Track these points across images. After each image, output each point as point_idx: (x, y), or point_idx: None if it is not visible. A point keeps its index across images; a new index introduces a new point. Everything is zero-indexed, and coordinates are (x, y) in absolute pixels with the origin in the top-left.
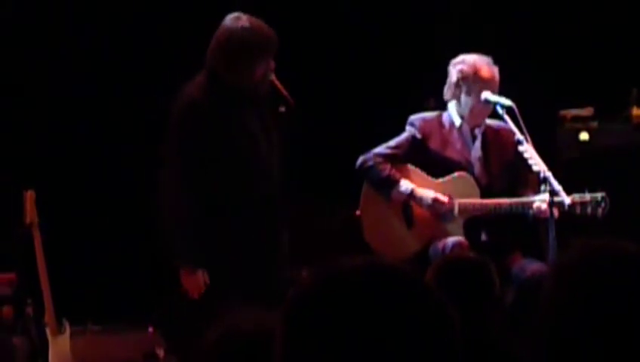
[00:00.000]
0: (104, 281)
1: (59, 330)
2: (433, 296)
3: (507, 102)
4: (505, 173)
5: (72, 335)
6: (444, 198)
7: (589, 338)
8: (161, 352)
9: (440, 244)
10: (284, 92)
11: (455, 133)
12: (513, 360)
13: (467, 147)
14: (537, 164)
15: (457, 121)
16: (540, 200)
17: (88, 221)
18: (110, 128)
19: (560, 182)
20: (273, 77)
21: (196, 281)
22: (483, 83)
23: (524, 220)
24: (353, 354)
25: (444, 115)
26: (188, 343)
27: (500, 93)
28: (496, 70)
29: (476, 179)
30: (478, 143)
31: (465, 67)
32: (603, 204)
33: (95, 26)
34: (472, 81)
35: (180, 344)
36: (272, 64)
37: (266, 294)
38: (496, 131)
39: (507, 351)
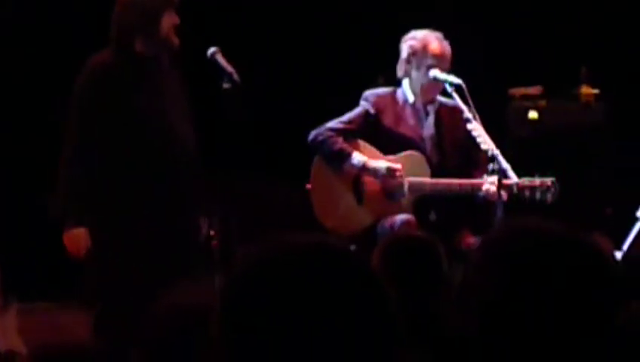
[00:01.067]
0: (54, 257)
1: (5, 306)
2: (369, 275)
3: (456, 80)
4: (456, 151)
5: (19, 312)
6: (398, 166)
7: (511, 308)
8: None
9: (389, 221)
10: (229, 68)
11: (408, 110)
12: (460, 338)
13: (420, 124)
14: (486, 142)
15: (411, 97)
16: (489, 183)
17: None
18: None
19: (509, 160)
20: (218, 53)
21: (76, 240)
22: (432, 58)
23: (474, 200)
24: (288, 334)
25: (399, 91)
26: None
27: (450, 71)
28: (446, 45)
29: (428, 157)
30: (431, 120)
31: (414, 42)
32: (552, 189)
33: None
34: (421, 57)
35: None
36: (176, 19)
37: (170, 258)
38: (450, 109)
39: (454, 328)
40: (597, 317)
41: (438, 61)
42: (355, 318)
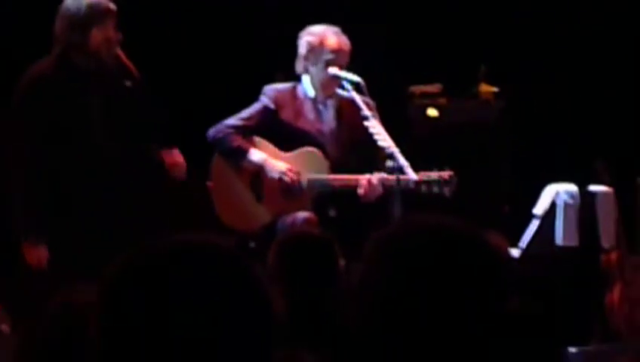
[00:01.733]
0: None
1: None
2: (249, 275)
3: (355, 78)
4: (355, 147)
5: None
6: (294, 172)
7: (405, 304)
8: (6, 328)
9: (289, 219)
10: (130, 66)
11: (308, 105)
12: (358, 335)
13: (320, 119)
14: (384, 139)
15: (311, 93)
16: (374, 176)
17: None
18: None
19: (409, 158)
20: (119, 51)
21: (37, 255)
22: (330, 53)
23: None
24: (162, 335)
25: (299, 87)
26: (31, 319)
27: (349, 69)
28: (344, 40)
29: (327, 152)
30: (331, 115)
31: (311, 38)
32: (450, 183)
33: None
34: (319, 52)
35: (24, 320)
36: (115, 34)
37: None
38: (350, 105)
39: (349, 326)
40: (488, 314)
41: (336, 56)
42: (231, 319)
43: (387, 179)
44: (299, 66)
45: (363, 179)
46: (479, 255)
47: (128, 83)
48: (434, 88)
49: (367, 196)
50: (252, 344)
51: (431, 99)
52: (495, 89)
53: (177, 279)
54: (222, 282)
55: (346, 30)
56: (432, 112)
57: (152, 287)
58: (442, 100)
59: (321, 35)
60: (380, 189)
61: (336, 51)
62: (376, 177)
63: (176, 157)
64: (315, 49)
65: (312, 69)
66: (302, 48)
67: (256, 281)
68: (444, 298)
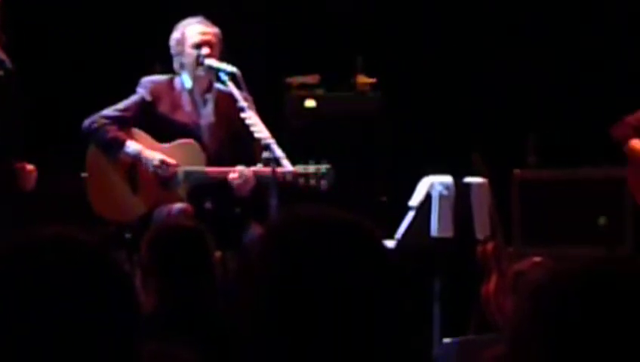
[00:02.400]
0: None
1: None
2: (110, 268)
3: (231, 68)
4: (233, 139)
5: None
6: (172, 161)
7: (292, 298)
8: None
9: (165, 210)
10: (1, 55)
11: (186, 97)
12: (228, 327)
13: (197, 111)
14: (260, 131)
15: (188, 85)
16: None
17: None
18: None
19: (286, 149)
20: None
21: None
22: (196, 45)
23: (253, 188)
24: (21, 329)
25: (177, 79)
26: None
27: (226, 59)
28: (210, 29)
29: (204, 145)
30: (208, 109)
31: (177, 33)
32: (327, 176)
33: None
34: (185, 45)
35: None
36: None
37: None
38: (227, 97)
39: (223, 318)
40: (377, 304)
41: (203, 46)
42: (91, 312)
43: (262, 171)
44: (175, 63)
45: (235, 171)
46: (368, 246)
47: (1, 72)
48: (312, 79)
49: (240, 188)
50: (114, 338)
51: (308, 90)
52: (372, 80)
53: (33, 273)
54: (80, 275)
55: (221, 21)
56: (310, 103)
57: (13, 282)
58: (320, 91)
59: (183, 28)
60: (252, 181)
61: (202, 43)
62: (248, 169)
63: (27, 167)
64: (182, 42)
65: (185, 62)
66: (172, 43)
67: (118, 275)
68: (334, 290)
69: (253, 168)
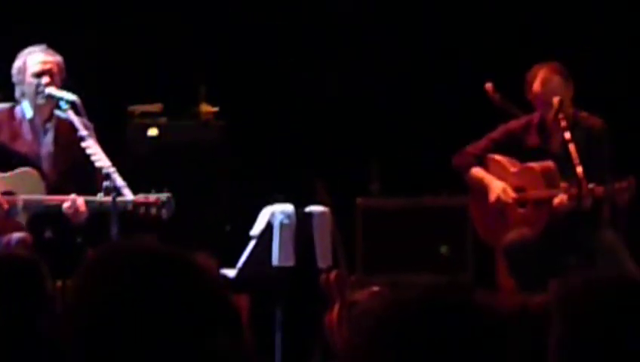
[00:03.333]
0: None
1: None
2: None
3: (71, 96)
4: (74, 169)
5: None
6: (7, 193)
7: (104, 330)
8: None
9: (4, 240)
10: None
11: (26, 126)
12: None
13: (38, 141)
14: (101, 159)
15: (29, 114)
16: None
17: None
18: None
19: (128, 178)
20: None
21: None
22: (36, 74)
23: (95, 216)
24: None
25: (17, 108)
26: None
27: (69, 88)
28: (52, 58)
29: (45, 174)
30: (49, 138)
31: (19, 61)
32: (168, 205)
33: None
34: (26, 74)
35: None
36: None
37: None
38: (68, 126)
39: (56, 349)
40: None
41: (44, 76)
42: None
43: (99, 201)
44: (16, 92)
45: (68, 200)
46: (184, 278)
47: None
48: (154, 108)
49: (73, 217)
50: None
51: (151, 119)
52: (215, 109)
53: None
54: None
55: (60, 48)
56: (153, 132)
57: None
58: (162, 120)
59: (24, 57)
60: (84, 210)
61: (41, 72)
62: (80, 198)
63: None
64: (22, 72)
65: (26, 90)
66: (13, 73)
67: None
68: (145, 323)
69: (86, 197)
